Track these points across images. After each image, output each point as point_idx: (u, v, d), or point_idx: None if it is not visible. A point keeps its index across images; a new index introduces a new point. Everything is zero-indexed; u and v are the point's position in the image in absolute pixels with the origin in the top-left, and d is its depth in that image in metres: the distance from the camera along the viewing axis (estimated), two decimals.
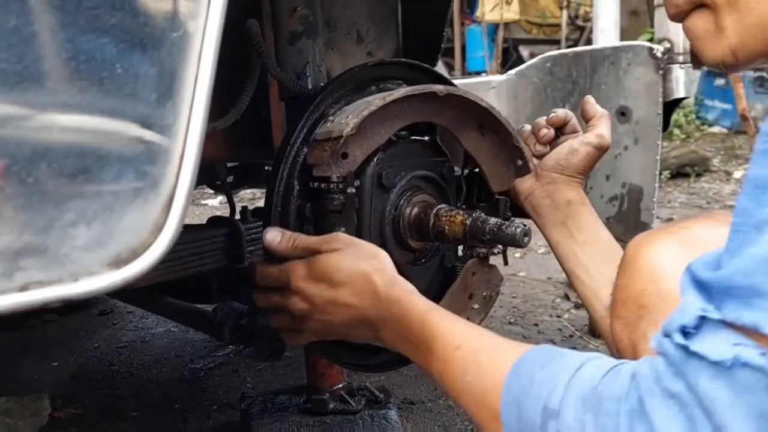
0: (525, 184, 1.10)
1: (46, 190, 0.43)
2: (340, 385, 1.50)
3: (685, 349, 0.48)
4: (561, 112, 1.08)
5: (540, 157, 1.10)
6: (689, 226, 0.72)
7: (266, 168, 1.93)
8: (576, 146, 1.05)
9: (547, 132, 1.08)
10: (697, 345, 0.48)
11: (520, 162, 1.08)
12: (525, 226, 0.92)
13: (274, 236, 0.88)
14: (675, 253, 0.68)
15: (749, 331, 0.46)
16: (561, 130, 1.09)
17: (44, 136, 0.43)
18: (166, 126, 0.46)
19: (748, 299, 0.46)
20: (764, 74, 6.28)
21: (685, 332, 0.49)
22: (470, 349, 0.69)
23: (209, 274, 1.28)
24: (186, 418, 1.71)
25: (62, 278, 0.43)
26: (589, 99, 1.10)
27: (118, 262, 0.44)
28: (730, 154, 5.50)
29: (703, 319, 0.48)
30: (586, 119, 1.08)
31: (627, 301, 0.68)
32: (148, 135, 0.46)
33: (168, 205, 0.46)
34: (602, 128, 1.06)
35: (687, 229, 0.71)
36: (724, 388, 0.45)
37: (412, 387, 1.81)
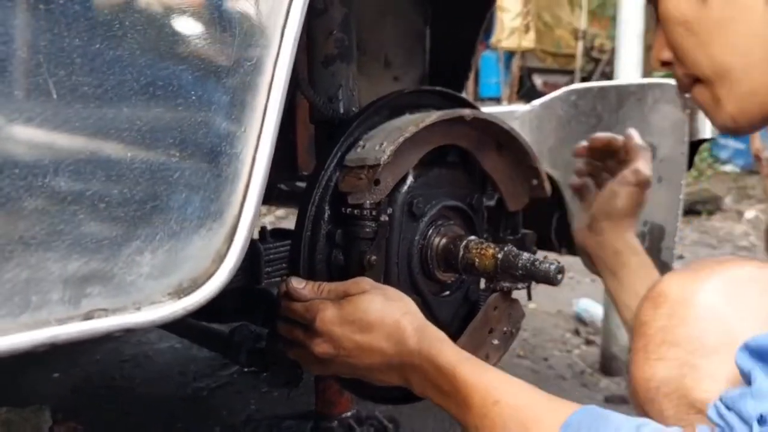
0: (579, 237, 1.11)
1: (117, 216, 0.41)
2: (349, 413, 1.47)
3: None
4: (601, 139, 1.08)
5: (586, 199, 1.10)
6: (726, 266, 0.69)
7: (279, 186, 1.92)
8: (615, 189, 1.05)
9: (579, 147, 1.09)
10: None
11: (535, 181, 1.08)
12: (558, 262, 0.90)
13: (298, 282, 0.86)
14: (725, 292, 0.66)
15: None
16: (613, 156, 1.09)
17: (118, 162, 0.42)
18: (234, 155, 0.45)
19: None
20: None
21: (762, 419, 0.48)
22: (509, 405, 0.67)
23: (224, 293, 1.25)
24: None
25: (126, 307, 0.41)
26: (616, 137, 1.10)
27: (180, 292, 0.43)
28: (742, 194, 5.48)
29: None
30: (620, 156, 1.07)
31: (680, 342, 0.64)
32: (216, 163, 0.45)
33: (231, 234, 0.45)
34: (638, 162, 1.05)
35: (727, 269, 0.69)
36: None
37: (420, 418, 1.78)
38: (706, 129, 1.52)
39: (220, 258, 0.45)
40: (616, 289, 1.05)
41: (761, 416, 0.48)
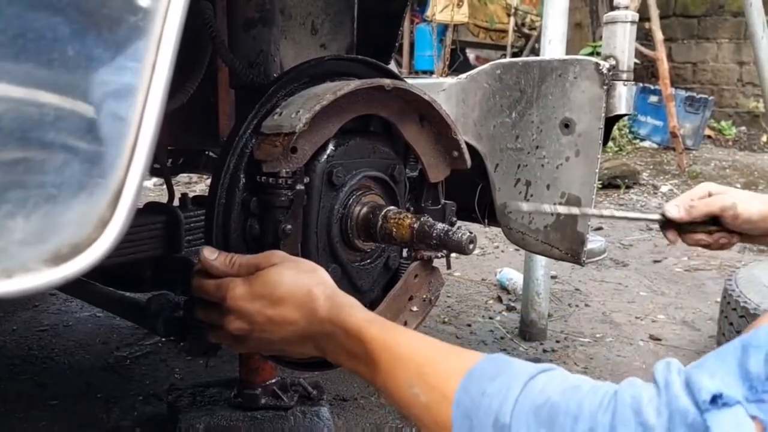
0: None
1: None
2: (273, 380, 1.48)
3: (701, 413, 0.49)
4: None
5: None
6: None
7: (206, 154, 1.88)
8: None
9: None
10: (714, 420, 0.49)
11: (456, 153, 1.10)
12: (471, 233, 0.92)
13: (210, 253, 0.83)
14: None
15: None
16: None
17: None
18: (118, 116, 0.43)
19: None
20: (694, 94, 6.60)
21: (712, 400, 0.49)
22: (414, 361, 0.68)
23: (143, 262, 1.23)
24: (109, 408, 1.64)
25: None
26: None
27: (58, 259, 0.41)
28: (659, 168, 5.75)
29: (736, 404, 0.49)
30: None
31: None
32: (98, 124, 0.43)
33: (115, 199, 0.43)
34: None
35: None
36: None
37: (345, 384, 1.81)
38: (622, 105, 1.58)
39: (104, 224, 0.43)
40: None
41: (714, 396, 0.49)
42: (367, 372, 0.73)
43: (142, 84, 0.44)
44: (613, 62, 1.58)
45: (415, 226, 0.94)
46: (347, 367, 0.78)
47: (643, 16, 5.40)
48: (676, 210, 1.22)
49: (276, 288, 0.78)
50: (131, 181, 0.43)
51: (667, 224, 1.25)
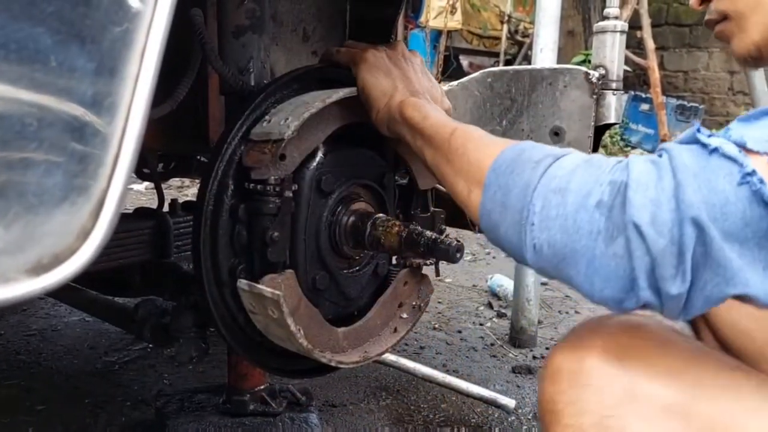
0: None
1: None
2: (262, 387, 1.47)
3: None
4: None
5: None
6: (613, 332, 0.74)
7: (198, 158, 1.88)
8: None
9: None
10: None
11: None
12: (459, 241, 0.93)
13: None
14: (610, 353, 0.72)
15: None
16: None
17: None
18: (101, 126, 0.43)
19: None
20: (685, 103, 6.65)
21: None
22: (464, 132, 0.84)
23: (132, 267, 1.23)
24: (96, 413, 1.63)
25: None
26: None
27: (39, 269, 0.41)
28: None
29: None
30: None
31: (588, 409, 0.71)
32: (81, 135, 0.43)
33: (97, 209, 0.43)
34: None
35: (612, 337, 0.74)
36: (695, 160, 0.62)
37: (334, 389, 1.80)
38: (612, 114, 1.59)
39: (86, 234, 0.43)
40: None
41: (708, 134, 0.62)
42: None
43: (126, 95, 0.44)
44: (603, 72, 1.59)
45: (403, 234, 0.95)
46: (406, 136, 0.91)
47: (636, 25, 5.44)
48: None
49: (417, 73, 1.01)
50: (113, 191, 0.44)
51: None
